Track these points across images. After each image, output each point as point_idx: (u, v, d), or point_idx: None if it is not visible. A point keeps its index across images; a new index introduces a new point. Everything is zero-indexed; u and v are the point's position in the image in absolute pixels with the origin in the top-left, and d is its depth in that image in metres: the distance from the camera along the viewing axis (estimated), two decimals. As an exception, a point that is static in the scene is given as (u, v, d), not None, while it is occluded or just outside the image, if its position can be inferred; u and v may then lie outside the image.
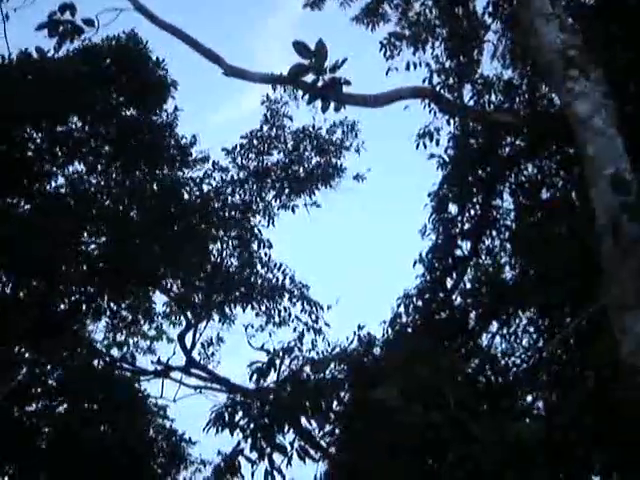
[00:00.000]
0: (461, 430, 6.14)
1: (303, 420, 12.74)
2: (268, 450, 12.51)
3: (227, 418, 13.53)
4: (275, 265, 22.87)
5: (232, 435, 13.26)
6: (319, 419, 12.46)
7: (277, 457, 12.69)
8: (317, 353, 16.72)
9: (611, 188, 7.82)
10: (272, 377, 14.15)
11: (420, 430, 6.35)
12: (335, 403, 12.21)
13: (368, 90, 15.00)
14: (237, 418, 13.36)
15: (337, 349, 15.86)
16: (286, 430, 12.63)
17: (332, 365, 13.48)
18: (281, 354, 14.64)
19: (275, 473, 12.36)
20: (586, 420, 7.18)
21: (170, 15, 14.66)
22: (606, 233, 7.92)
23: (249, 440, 12.69)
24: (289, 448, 12.70)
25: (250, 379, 14.34)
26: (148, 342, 24.55)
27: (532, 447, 6.02)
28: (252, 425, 12.61)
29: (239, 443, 13.15)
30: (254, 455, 12.71)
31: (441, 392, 6.27)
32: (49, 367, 20.54)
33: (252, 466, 12.77)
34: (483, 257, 18.13)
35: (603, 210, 8.05)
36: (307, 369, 13.86)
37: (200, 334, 23.65)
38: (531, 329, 16.39)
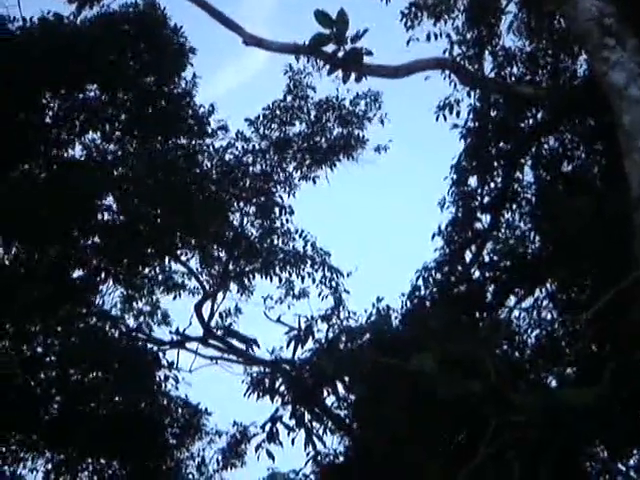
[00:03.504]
0: (501, 400, 6.07)
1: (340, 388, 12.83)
2: (308, 417, 12.57)
3: (268, 384, 13.62)
4: (296, 231, 22.66)
5: (272, 401, 13.36)
6: (357, 386, 12.47)
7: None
8: (342, 320, 16.63)
9: (646, 159, 7.70)
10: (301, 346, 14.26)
11: (458, 400, 6.30)
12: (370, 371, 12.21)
13: (385, 62, 14.88)
14: (277, 384, 13.45)
15: (363, 319, 15.95)
16: (325, 396, 12.71)
17: (367, 335, 13.50)
18: (319, 321, 14.69)
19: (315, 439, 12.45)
20: (622, 393, 7.12)
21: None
22: (640, 204, 7.79)
23: (288, 407, 12.77)
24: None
25: (287, 346, 14.41)
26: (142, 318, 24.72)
27: (582, 414, 5.95)
28: (292, 392, 12.66)
29: (277, 410, 13.25)
30: (292, 422, 12.84)
31: (479, 362, 6.20)
32: (62, 336, 20.50)
33: (288, 434, 12.86)
34: (503, 230, 18.01)
35: (637, 181, 7.91)
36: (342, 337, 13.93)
37: (218, 305, 23.64)
38: (550, 304, 16.35)
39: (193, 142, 21.54)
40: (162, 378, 21.02)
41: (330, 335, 14.63)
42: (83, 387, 19.74)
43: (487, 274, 17.55)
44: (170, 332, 23.47)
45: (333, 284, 22.19)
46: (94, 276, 20.28)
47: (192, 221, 19.85)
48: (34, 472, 19.98)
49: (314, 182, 23.48)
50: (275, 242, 22.37)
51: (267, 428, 13.21)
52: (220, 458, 23.28)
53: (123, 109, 20.76)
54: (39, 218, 17.93)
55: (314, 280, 22.47)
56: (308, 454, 13.72)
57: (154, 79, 20.88)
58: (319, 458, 14.07)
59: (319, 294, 22.31)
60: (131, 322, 24.26)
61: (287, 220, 22.49)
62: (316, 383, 13.01)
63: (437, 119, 18.46)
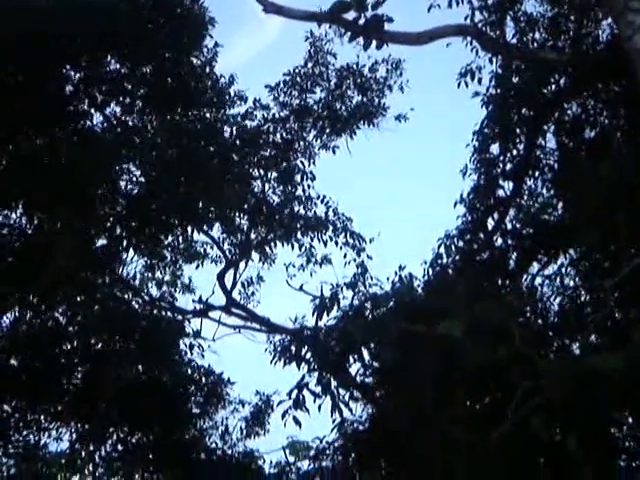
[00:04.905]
0: (528, 365, 6.07)
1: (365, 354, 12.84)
2: (334, 384, 12.61)
3: (294, 351, 13.66)
4: (318, 197, 22.62)
5: (299, 368, 13.41)
6: (384, 352, 12.49)
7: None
8: (367, 287, 16.64)
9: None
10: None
11: (485, 366, 6.30)
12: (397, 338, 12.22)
13: (407, 29, 14.77)
14: (304, 351, 13.48)
15: (386, 287, 15.98)
16: (351, 363, 12.74)
17: (392, 302, 13.51)
18: (343, 289, 14.71)
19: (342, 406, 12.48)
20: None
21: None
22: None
23: (314, 374, 12.81)
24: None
25: (313, 314, 14.46)
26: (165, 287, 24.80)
27: (609, 379, 5.94)
28: (319, 359, 12.68)
29: (303, 377, 13.30)
30: (318, 389, 12.89)
31: (505, 328, 6.19)
32: (85, 305, 20.58)
33: (314, 401, 12.92)
34: (525, 197, 17.98)
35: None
36: (368, 305, 13.94)
37: (240, 274, 23.71)
38: (574, 271, 16.35)
39: (214, 113, 21.43)
40: (187, 346, 21.15)
41: (356, 302, 14.65)
42: (106, 357, 19.81)
43: (510, 241, 17.56)
44: (193, 301, 23.59)
45: (355, 250, 22.23)
46: (117, 245, 20.30)
47: (214, 189, 19.79)
48: (59, 441, 20.18)
49: (334, 152, 23.41)
50: (296, 208, 22.36)
51: (293, 395, 13.27)
52: (243, 427, 23.45)
53: (143, 81, 20.63)
54: (60, 188, 17.90)
55: (337, 243, 22.47)
56: (334, 421, 13.85)
57: (174, 50, 20.70)
58: (345, 425, 14.21)
59: (342, 258, 22.38)
60: (154, 291, 24.41)
61: (308, 186, 22.46)
62: (343, 350, 13.03)
63: (459, 86, 18.39)
